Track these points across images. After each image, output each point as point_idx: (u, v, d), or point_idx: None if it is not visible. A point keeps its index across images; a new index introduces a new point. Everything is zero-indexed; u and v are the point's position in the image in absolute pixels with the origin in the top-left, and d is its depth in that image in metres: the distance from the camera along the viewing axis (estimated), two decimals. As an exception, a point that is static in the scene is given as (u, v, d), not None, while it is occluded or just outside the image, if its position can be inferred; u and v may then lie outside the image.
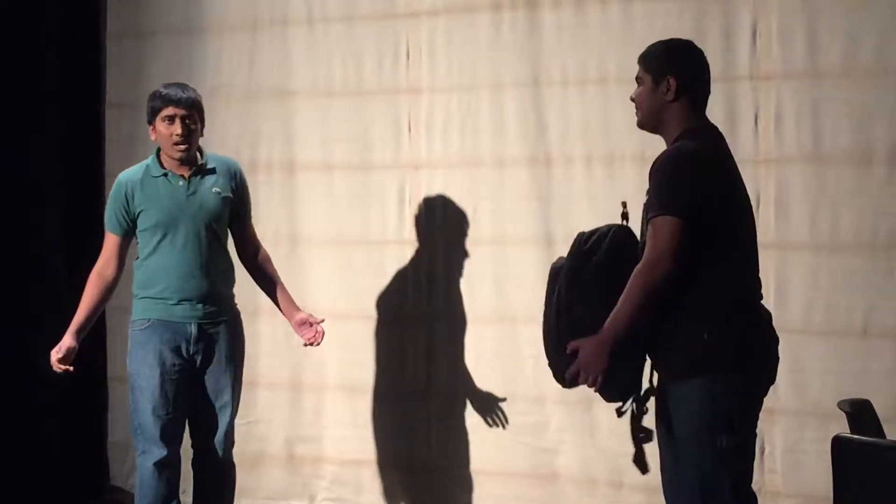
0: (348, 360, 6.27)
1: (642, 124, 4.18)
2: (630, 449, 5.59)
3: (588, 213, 5.77)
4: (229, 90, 6.50)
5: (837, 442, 3.90)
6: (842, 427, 4.22)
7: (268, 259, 5.42)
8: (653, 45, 4.23)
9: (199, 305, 5.13)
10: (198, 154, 5.18)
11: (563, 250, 5.74)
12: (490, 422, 6.00)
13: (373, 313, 6.25)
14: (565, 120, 5.87)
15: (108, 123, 6.76)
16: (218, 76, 6.52)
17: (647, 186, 5.60)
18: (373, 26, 6.22)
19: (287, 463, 6.40)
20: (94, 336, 6.36)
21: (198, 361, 5.15)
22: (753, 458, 4.03)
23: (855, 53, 5.38)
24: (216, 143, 6.45)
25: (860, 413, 4.31)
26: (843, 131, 5.40)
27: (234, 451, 6.38)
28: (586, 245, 4.09)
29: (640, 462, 4.05)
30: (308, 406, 6.37)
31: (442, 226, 6.12)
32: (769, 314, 4.07)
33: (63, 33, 6.80)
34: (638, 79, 4.17)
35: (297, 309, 5.36)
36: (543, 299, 5.77)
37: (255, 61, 6.47)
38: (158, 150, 5.18)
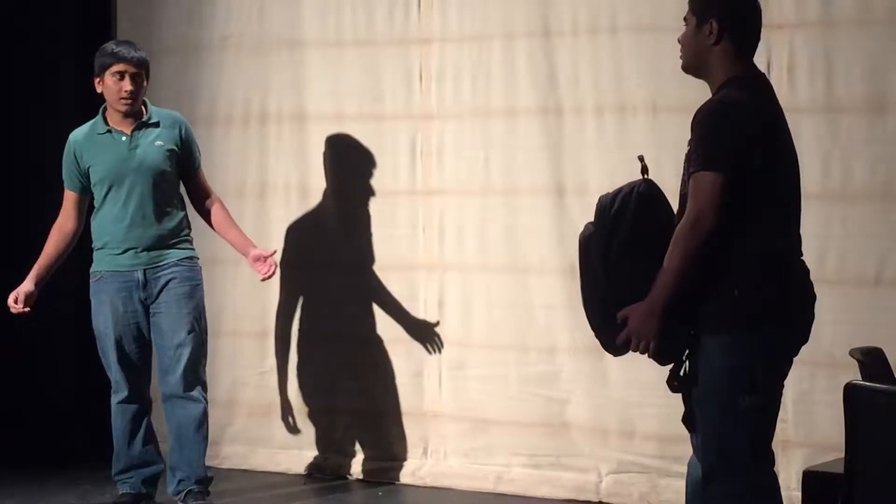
0: (360, 310, 6.28)
1: (685, 67, 4.02)
2: (643, 399, 5.68)
3: (599, 162, 5.77)
4: (239, 41, 6.48)
5: (850, 389, 3.89)
6: (853, 376, 4.21)
7: (218, 202, 5.65)
8: None
9: (144, 253, 5.42)
10: (143, 108, 5.43)
11: (574, 200, 5.81)
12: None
13: (384, 264, 6.25)
14: (576, 70, 5.85)
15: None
16: (227, 26, 6.50)
17: (658, 136, 5.64)
18: (383, -25, 6.20)
19: (299, 413, 6.43)
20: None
21: (149, 304, 5.43)
22: (776, 418, 3.98)
23: (868, 3, 5.34)
24: (224, 94, 6.47)
25: (872, 361, 4.29)
26: (856, 80, 5.37)
27: (246, 401, 6.43)
28: (612, 209, 3.96)
29: (689, 421, 3.98)
30: (320, 356, 6.39)
31: (453, 176, 6.10)
32: (806, 271, 3.97)
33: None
34: (685, 20, 4.01)
35: (252, 245, 5.57)
36: (555, 250, 5.85)
37: (264, 11, 6.44)
38: (104, 108, 5.43)
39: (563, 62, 5.87)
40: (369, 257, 6.26)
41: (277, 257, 5.64)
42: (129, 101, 5.36)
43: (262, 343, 6.46)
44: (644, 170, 4.00)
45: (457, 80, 6.08)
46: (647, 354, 3.86)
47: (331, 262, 6.33)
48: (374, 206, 6.25)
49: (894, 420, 3.81)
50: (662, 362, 3.94)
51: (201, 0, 6.55)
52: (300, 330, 6.39)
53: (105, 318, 5.45)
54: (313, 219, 6.37)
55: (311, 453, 6.39)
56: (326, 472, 6.34)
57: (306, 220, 6.35)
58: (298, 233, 6.36)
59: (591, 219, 4.04)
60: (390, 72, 6.20)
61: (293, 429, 6.36)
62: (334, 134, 6.30)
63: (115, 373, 5.49)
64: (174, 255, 5.46)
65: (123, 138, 5.40)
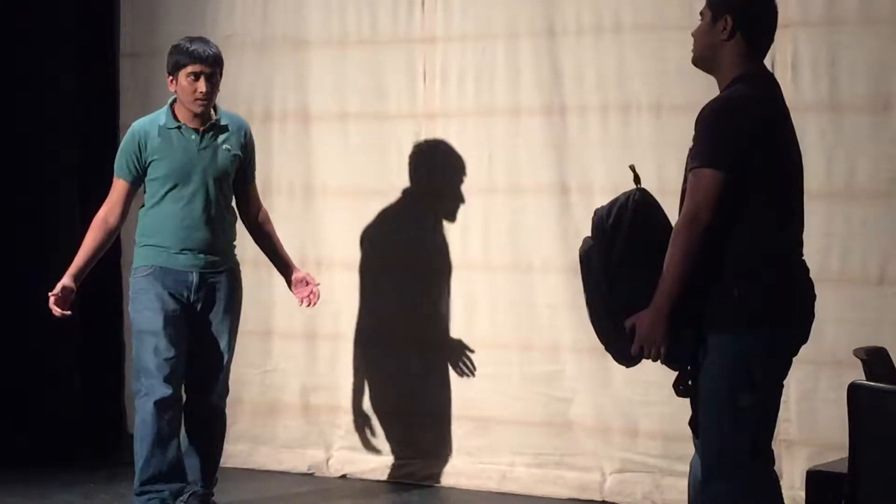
0: (362, 309, 6.29)
1: (696, 61, 4.01)
2: (647, 398, 5.68)
3: (603, 162, 5.78)
4: (243, 39, 6.48)
5: (853, 389, 3.88)
6: (857, 376, 4.20)
7: (268, 219, 5.53)
8: None
9: (201, 255, 5.23)
10: (212, 109, 5.26)
11: (577, 199, 5.81)
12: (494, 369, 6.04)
13: (387, 263, 6.26)
14: (580, 69, 5.85)
15: (122, 73, 6.75)
16: (231, 25, 6.50)
17: (661, 136, 5.65)
18: (387, -26, 6.20)
19: (303, 412, 6.43)
20: (111, 288, 6.42)
21: (198, 308, 5.25)
22: (776, 418, 3.99)
23: (872, 2, 5.35)
24: (229, 94, 6.44)
25: (876, 361, 4.29)
26: (860, 79, 5.38)
27: (250, 399, 6.44)
28: (609, 221, 3.96)
29: (696, 426, 3.98)
30: (323, 355, 6.39)
31: (457, 175, 6.11)
32: (807, 270, 3.97)
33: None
34: (700, 14, 4.01)
35: (296, 268, 5.49)
36: (559, 249, 5.85)
37: (268, 10, 6.45)
38: (172, 101, 5.25)
39: (567, 61, 5.87)
40: (372, 257, 6.26)
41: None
42: (205, 102, 5.17)
43: (265, 342, 6.46)
44: (636, 179, 4.00)
45: (461, 80, 6.09)
46: (658, 360, 3.87)
47: (332, 262, 6.32)
48: (378, 204, 6.25)
49: (897, 419, 3.81)
50: (675, 367, 3.95)
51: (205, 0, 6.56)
52: (302, 327, 6.40)
53: (153, 314, 5.17)
54: (318, 217, 6.36)
55: (314, 452, 6.39)
56: (329, 471, 6.34)
57: (310, 219, 6.35)
58: (302, 232, 6.35)
59: (593, 212, 4.05)
60: (394, 71, 6.20)
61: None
62: (338, 132, 6.30)
63: (154, 371, 5.15)
64: (227, 261, 5.32)
65: (193, 137, 5.21)
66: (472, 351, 6.09)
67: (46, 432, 6.63)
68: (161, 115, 5.26)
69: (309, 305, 5.47)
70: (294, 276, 5.44)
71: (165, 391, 5.15)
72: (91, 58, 6.77)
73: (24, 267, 5.57)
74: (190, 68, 5.15)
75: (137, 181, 5.26)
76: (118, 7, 6.74)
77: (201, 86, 5.14)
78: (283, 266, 5.50)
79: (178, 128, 5.21)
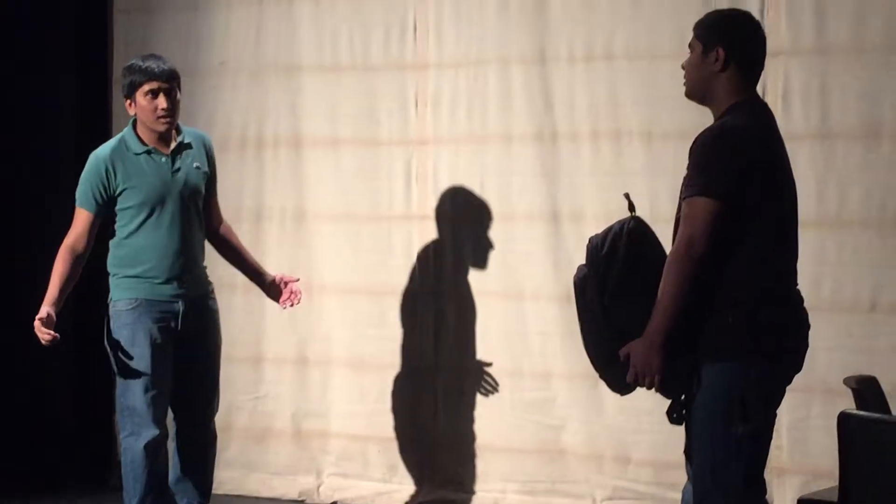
0: (355, 335, 6.28)
1: (689, 94, 4.03)
2: (639, 425, 5.67)
3: (595, 188, 5.78)
4: (236, 65, 6.49)
5: (844, 418, 3.89)
6: (848, 403, 4.21)
7: (231, 230, 5.40)
8: (709, 14, 4.10)
9: (187, 283, 5.07)
10: (174, 130, 5.11)
11: (569, 226, 5.81)
12: (491, 394, 6.02)
13: (379, 289, 6.25)
14: (572, 96, 5.86)
15: (115, 99, 6.74)
16: (224, 51, 6.51)
17: (652, 163, 5.65)
18: (379, 1, 6.21)
19: (294, 438, 6.42)
20: (101, 315, 6.40)
21: (186, 336, 5.09)
22: (769, 446, 3.98)
23: (863, 30, 5.37)
24: (222, 120, 6.47)
25: (866, 389, 4.29)
26: (851, 108, 5.39)
27: (241, 426, 6.43)
28: (603, 250, 3.95)
29: (689, 453, 3.98)
30: (314, 381, 6.38)
31: (449, 202, 6.11)
32: (800, 300, 3.98)
33: (72, 9, 6.79)
34: (690, 46, 4.02)
35: (266, 273, 5.36)
36: (551, 276, 5.85)
37: (261, 36, 6.46)
38: (134, 123, 5.09)
39: (558, 88, 5.88)
40: (364, 283, 6.25)
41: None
42: (168, 119, 4.98)
43: (257, 368, 6.45)
44: (631, 207, 4.00)
45: (452, 106, 6.09)
46: (653, 389, 3.86)
47: (323, 287, 6.32)
48: (370, 230, 6.25)
49: (888, 449, 3.81)
50: (670, 395, 3.95)
51: (198, 25, 6.56)
52: (293, 353, 6.39)
53: (142, 352, 4.97)
54: (310, 243, 6.36)
55: (305, 478, 6.37)
56: (320, 497, 6.32)
57: (303, 245, 6.35)
58: (294, 258, 6.35)
59: (586, 244, 4.06)
60: (386, 97, 6.21)
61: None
62: (331, 158, 6.31)
63: (142, 411, 4.98)
64: (207, 283, 5.19)
65: (164, 160, 5.03)
66: (464, 377, 6.09)
67: (36, 460, 6.60)
68: (126, 141, 5.06)
69: (292, 305, 5.33)
70: (268, 280, 5.32)
71: (154, 432, 5.00)
72: (84, 84, 6.77)
73: (20, 295, 5.55)
74: (147, 86, 4.97)
75: (102, 211, 5.03)
76: (111, 35, 6.74)
77: (161, 102, 4.97)
78: (255, 273, 5.36)
79: (148, 152, 5.04)
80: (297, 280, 5.34)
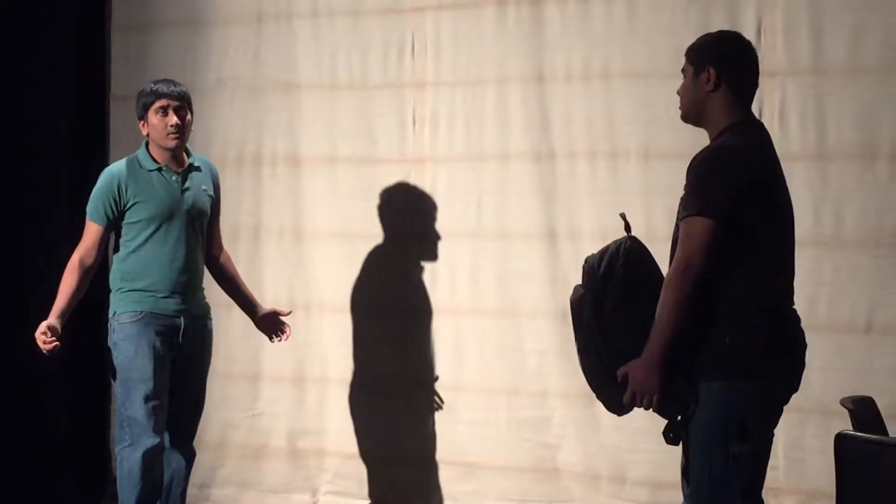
0: (350, 353, 6.28)
1: (685, 116, 4.06)
2: (635, 444, 5.67)
3: (592, 207, 5.79)
4: (234, 83, 6.49)
5: (840, 439, 3.90)
6: (844, 424, 4.22)
7: (230, 259, 5.54)
8: (699, 38, 4.12)
9: (189, 299, 5.21)
10: (184, 153, 5.26)
11: (566, 245, 5.81)
12: (488, 412, 6.02)
13: (375, 307, 6.25)
14: (569, 115, 5.87)
15: (113, 116, 6.76)
16: (222, 69, 6.52)
17: (649, 182, 5.66)
18: (378, 20, 6.22)
19: (290, 456, 6.41)
20: (97, 329, 6.39)
21: (183, 352, 5.21)
22: (766, 466, 3.98)
23: (860, 50, 5.38)
24: (220, 137, 6.47)
25: (863, 410, 4.30)
26: (848, 128, 5.40)
27: (237, 443, 6.43)
28: (600, 270, 3.97)
29: (687, 473, 3.98)
30: (311, 399, 6.38)
31: (446, 220, 6.11)
32: (798, 320, 3.99)
33: (69, 26, 6.79)
34: (683, 71, 4.06)
35: (259, 305, 5.50)
36: (547, 295, 5.85)
37: (259, 54, 6.46)
38: (147, 144, 5.23)
39: (556, 107, 5.89)
40: (361, 301, 6.25)
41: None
42: (177, 135, 5.14)
43: (253, 386, 6.45)
44: (627, 227, 4.01)
45: (450, 125, 6.10)
46: (651, 409, 3.87)
47: (321, 305, 6.32)
48: (368, 248, 6.25)
49: (884, 470, 3.81)
50: (669, 415, 3.95)
51: (196, 43, 6.57)
52: (290, 371, 6.39)
53: (145, 362, 5.09)
54: (307, 261, 6.36)
55: (300, 497, 6.36)
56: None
57: (300, 263, 6.35)
58: (292, 276, 6.35)
59: (584, 261, 4.08)
60: (384, 115, 6.22)
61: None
62: (328, 177, 6.32)
63: (143, 421, 5.09)
64: (205, 304, 5.31)
65: (174, 178, 5.18)
66: (459, 395, 6.08)
67: (30, 471, 6.59)
68: (138, 159, 5.22)
69: (280, 340, 5.48)
70: (262, 313, 5.45)
71: (153, 441, 5.10)
72: (82, 102, 6.77)
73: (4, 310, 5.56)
74: (158, 104, 5.14)
75: (111, 225, 5.18)
76: (109, 49, 6.75)
77: (171, 118, 5.13)
78: (248, 304, 5.49)
79: (159, 169, 5.18)
80: (289, 313, 5.48)
